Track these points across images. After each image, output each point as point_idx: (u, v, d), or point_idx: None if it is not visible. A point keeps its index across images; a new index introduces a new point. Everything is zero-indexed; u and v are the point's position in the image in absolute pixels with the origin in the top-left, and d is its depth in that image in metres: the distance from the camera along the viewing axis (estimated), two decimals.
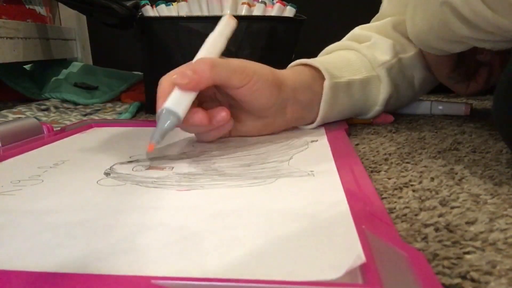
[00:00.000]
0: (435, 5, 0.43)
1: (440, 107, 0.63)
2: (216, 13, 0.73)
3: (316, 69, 0.50)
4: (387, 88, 0.54)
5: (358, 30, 0.60)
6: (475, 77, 0.60)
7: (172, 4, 0.75)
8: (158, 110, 0.38)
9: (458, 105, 0.62)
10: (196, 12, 0.73)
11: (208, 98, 0.45)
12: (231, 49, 0.72)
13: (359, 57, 0.55)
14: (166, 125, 0.37)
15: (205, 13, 0.73)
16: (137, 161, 0.39)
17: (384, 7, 0.63)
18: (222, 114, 0.41)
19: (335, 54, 0.57)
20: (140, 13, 0.73)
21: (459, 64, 0.57)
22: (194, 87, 0.39)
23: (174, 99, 0.38)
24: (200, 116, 0.39)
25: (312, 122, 0.51)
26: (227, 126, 0.44)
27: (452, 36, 0.45)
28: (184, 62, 0.39)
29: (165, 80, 0.40)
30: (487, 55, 0.58)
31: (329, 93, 0.49)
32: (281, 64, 0.83)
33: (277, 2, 0.76)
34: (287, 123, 0.49)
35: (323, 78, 0.49)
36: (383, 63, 0.54)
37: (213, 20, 0.73)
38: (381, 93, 0.54)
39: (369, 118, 0.57)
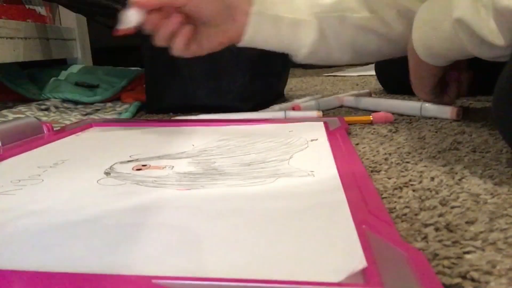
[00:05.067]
0: (449, 25, 0.44)
1: (429, 109, 0.61)
2: None
3: None
4: (313, 33, 0.56)
5: None
6: (446, 90, 0.61)
7: None
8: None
9: (445, 108, 0.60)
10: None
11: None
12: (232, 49, 0.72)
13: None
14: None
15: None
16: (137, 160, 0.39)
17: None
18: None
19: None
20: None
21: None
22: (145, 5, 0.48)
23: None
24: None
25: (238, 42, 0.55)
26: (184, 31, 0.50)
27: (467, 53, 0.45)
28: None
29: None
30: (454, 75, 0.59)
31: (253, 18, 0.53)
32: (282, 63, 0.83)
33: None
34: (238, 30, 0.54)
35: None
36: (317, 11, 0.56)
37: None
38: (308, 38, 0.56)
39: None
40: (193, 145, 0.44)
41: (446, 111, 0.59)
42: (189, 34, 0.50)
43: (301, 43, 0.57)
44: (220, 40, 0.53)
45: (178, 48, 0.51)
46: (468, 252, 0.23)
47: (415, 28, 0.52)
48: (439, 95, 0.60)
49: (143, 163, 0.38)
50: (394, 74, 0.84)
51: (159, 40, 0.50)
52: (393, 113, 0.61)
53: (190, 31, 0.50)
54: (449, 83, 0.60)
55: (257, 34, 0.54)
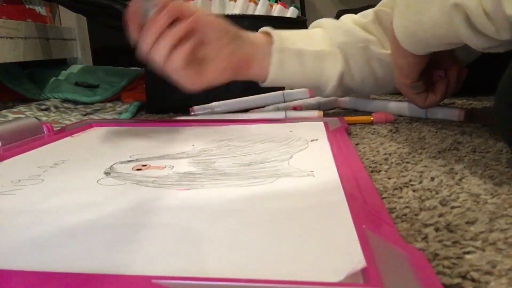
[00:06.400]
0: (443, 9, 0.41)
1: (435, 111, 0.61)
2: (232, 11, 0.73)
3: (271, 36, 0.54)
4: (339, 64, 0.56)
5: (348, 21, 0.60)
6: (433, 89, 0.58)
7: None
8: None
9: (451, 110, 0.60)
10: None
11: None
12: None
13: (321, 32, 0.57)
14: None
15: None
16: (137, 160, 0.39)
17: None
18: None
19: (303, 30, 0.59)
20: None
21: (422, 74, 0.55)
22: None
23: None
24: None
25: (263, 81, 0.55)
26: (185, 46, 0.46)
27: (457, 41, 0.43)
28: None
29: None
30: (441, 73, 0.57)
31: (276, 55, 0.53)
32: None
33: (278, 3, 0.76)
34: (231, 64, 0.51)
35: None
36: (341, 42, 0.56)
37: None
38: (334, 69, 0.56)
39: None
40: (193, 145, 0.44)
41: (453, 113, 0.58)
42: (189, 50, 0.46)
43: (328, 76, 0.56)
44: (223, 66, 0.50)
45: (176, 65, 0.46)
46: (468, 252, 0.23)
47: (397, 12, 0.49)
48: (422, 93, 0.57)
49: (143, 163, 0.38)
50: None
51: (157, 52, 0.45)
52: (399, 115, 0.61)
53: (191, 48, 0.46)
54: (436, 82, 0.58)
55: (282, 71, 0.54)
